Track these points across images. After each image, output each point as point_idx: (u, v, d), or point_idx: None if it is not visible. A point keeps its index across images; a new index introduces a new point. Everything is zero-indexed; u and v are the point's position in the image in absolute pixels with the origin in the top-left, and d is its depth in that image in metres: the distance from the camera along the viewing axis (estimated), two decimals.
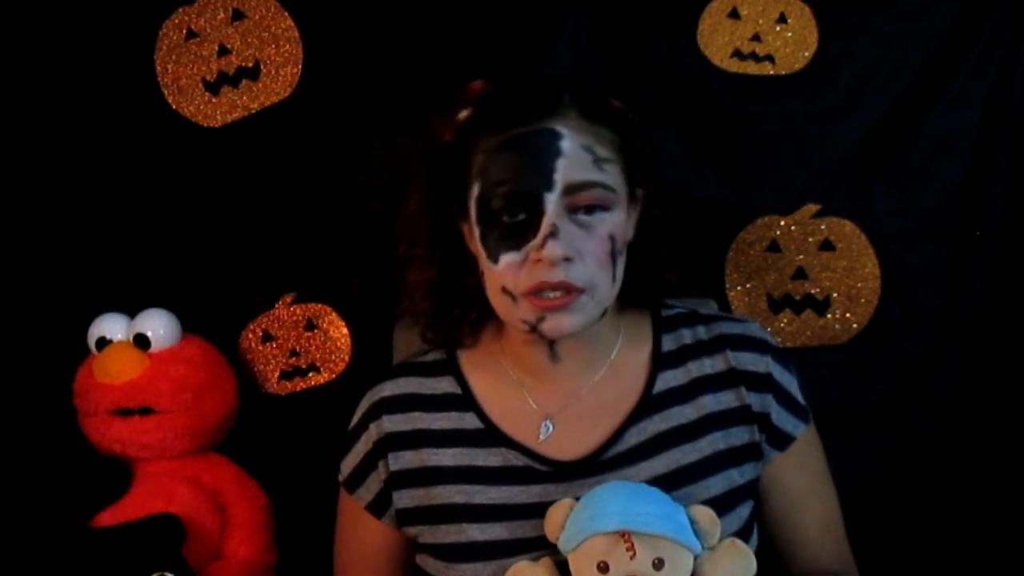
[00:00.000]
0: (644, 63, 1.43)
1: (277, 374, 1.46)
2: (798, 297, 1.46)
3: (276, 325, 1.46)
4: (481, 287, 1.02)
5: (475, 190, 0.99)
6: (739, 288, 1.47)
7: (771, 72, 1.45)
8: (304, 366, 1.46)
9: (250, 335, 1.46)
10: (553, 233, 0.93)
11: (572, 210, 0.95)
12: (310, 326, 1.46)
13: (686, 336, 1.08)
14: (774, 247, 1.46)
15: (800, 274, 1.46)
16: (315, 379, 1.46)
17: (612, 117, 1.01)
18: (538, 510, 0.98)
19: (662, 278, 1.09)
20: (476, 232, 0.99)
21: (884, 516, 1.45)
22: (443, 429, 1.06)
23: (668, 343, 1.08)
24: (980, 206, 1.45)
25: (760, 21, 1.44)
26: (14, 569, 1.23)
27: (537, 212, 0.94)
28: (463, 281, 1.06)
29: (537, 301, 0.95)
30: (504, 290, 0.97)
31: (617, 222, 0.98)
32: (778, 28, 1.44)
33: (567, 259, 0.94)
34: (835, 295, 1.46)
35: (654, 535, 0.89)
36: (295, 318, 1.46)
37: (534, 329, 0.97)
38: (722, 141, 1.44)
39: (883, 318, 1.46)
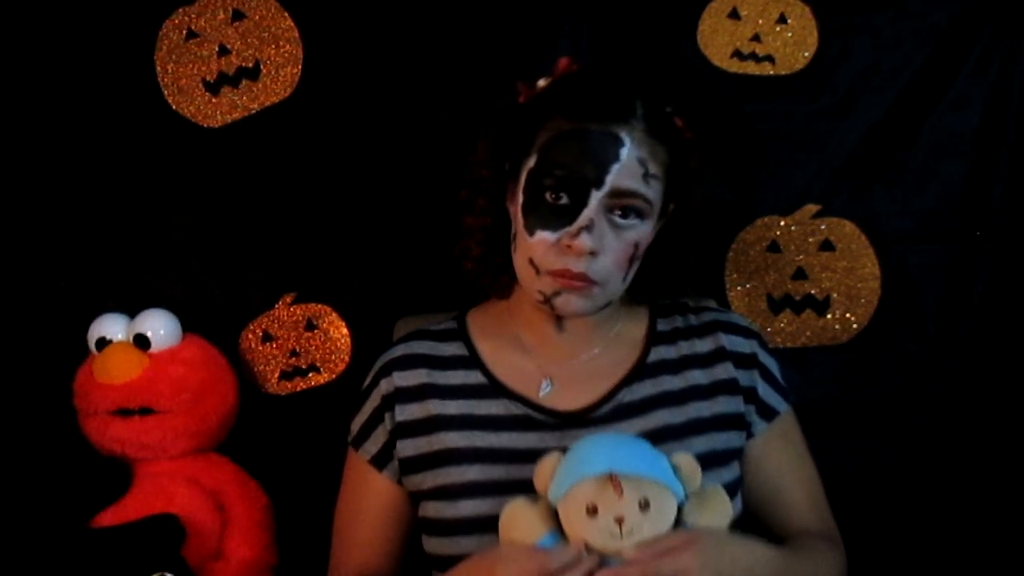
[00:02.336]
0: (644, 64, 1.43)
1: (277, 374, 1.46)
2: (798, 297, 1.46)
3: (276, 325, 1.46)
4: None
5: (531, 161, 1.08)
6: (739, 288, 1.47)
7: (771, 72, 1.45)
8: (304, 366, 1.46)
9: (250, 335, 1.46)
10: (588, 227, 1.03)
11: (609, 209, 1.05)
12: (310, 326, 1.46)
13: (679, 321, 1.20)
14: (774, 247, 1.46)
15: (800, 274, 1.46)
16: (315, 379, 1.46)
17: (671, 135, 1.10)
18: (535, 455, 1.04)
19: (677, 283, 1.19)
20: (520, 199, 1.08)
21: (884, 516, 1.45)
22: (449, 384, 1.14)
23: (663, 325, 1.19)
24: (980, 206, 1.45)
25: (760, 21, 1.44)
26: (14, 569, 1.23)
27: (581, 202, 1.04)
28: (510, 232, 1.14)
29: (560, 279, 1.05)
30: (531, 262, 1.06)
31: (644, 232, 1.08)
32: (778, 28, 1.44)
33: (592, 254, 1.03)
34: (835, 295, 1.46)
35: (640, 477, 0.93)
36: (295, 318, 1.46)
37: (547, 301, 1.07)
38: (722, 141, 1.44)
39: (883, 318, 1.46)
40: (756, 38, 1.44)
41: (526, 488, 1.00)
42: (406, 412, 1.13)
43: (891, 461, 1.47)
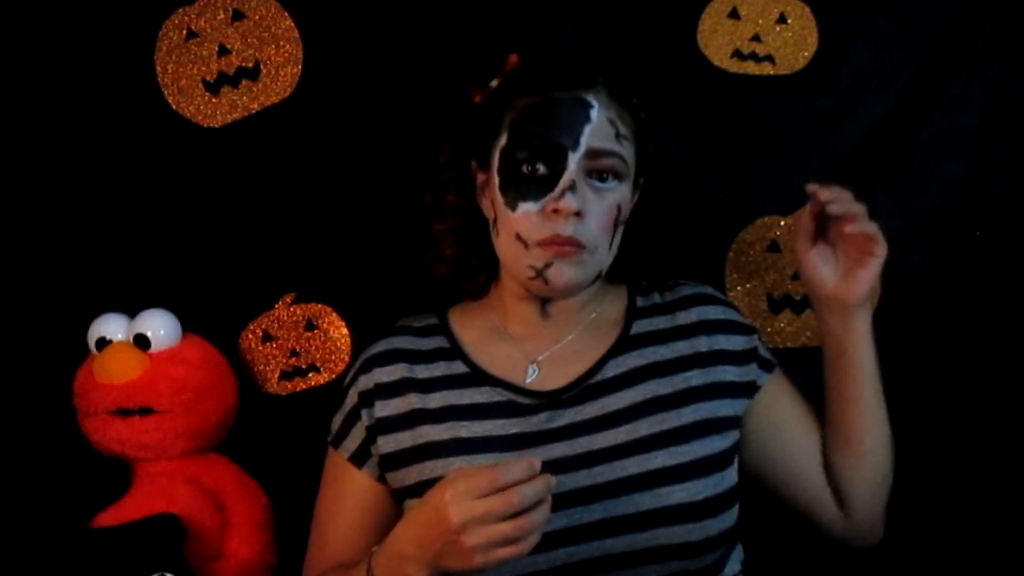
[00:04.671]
0: (644, 63, 1.43)
1: (277, 374, 1.46)
2: (798, 297, 1.46)
3: (276, 325, 1.46)
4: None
5: (502, 140, 1.10)
6: (739, 288, 1.47)
7: (771, 72, 1.45)
8: (304, 366, 1.46)
9: (250, 335, 1.46)
10: (571, 188, 1.05)
11: (588, 173, 1.07)
12: (310, 326, 1.46)
13: (657, 298, 1.21)
14: (774, 247, 1.46)
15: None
16: (315, 379, 1.46)
17: (632, 106, 1.13)
18: (521, 441, 1.06)
19: (656, 264, 1.22)
20: (496, 180, 1.10)
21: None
22: (430, 377, 1.14)
23: (642, 302, 1.21)
24: (980, 206, 1.45)
25: (760, 21, 1.44)
26: (14, 569, 1.23)
27: (559, 167, 1.06)
28: (483, 232, 1.15)
29: (550, 248, 1.06)
30: (518, 237, 1.07)
31: (624, 194, 1.10)
32: (778, 28, 1.44)
33: (578, 215, 1.05)
34: None
35: None
36: (295, 318, 1.46)
37: (539, 275, 1.07)
38: (722, 141, 1.45)
39: (883, 318, 1.45)
40: (756, 38, 1.44)
41: None
42: (387, 407, 1.13)
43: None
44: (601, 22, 1.42)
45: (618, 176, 1.09)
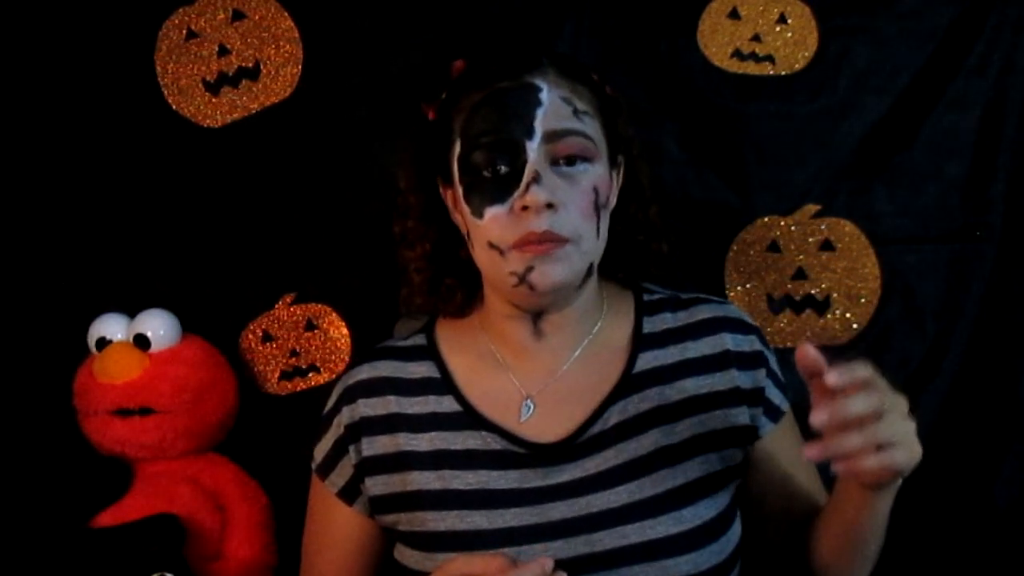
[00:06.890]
0: (644, 63, 1.43)
1: (277, 374, 1.46)
2: (798, 297, 1.46)
3: (276, 325, 1.46)
4: (472, 257, 1.04)
5: (457, 148, 1.01)
6: (739, 288, 1.47)
7: (771, 72, 1.45)
8: (304, 366, 1.46)
9: (250, 335, 1.46)
10: (536, 179, 0.96)
11: (554, 161, 0.98)
12: (310, 326, 1.46)
13: (668, 320, 1.09)
14: (774, 247, 1.46)
15: (800, 274, 1.46)
16: (315, 379, 1.46)
17: (590, 81, 1.04)
18: (517, 497, 0.99)
19: (649, 249, 1.12)
20: (459, 191, 1.01)
21: None
22: (419, 414, 1.05)
23: (649, 326, 1.09)
24: (980, 206, 1.44)
25: (760, 21, 1.44)
26: (14, 569, 1.23)
27: (519, 161, 0.97)
28: (456, 253, 1.08)
29: (526, 249, 0.96)
30: (491, 244, 0.98)
31: (599, 174, 1.00)
32: (778, 28, 1.44)
33: (551, 206, 0.96)
34: (835, 295, 1.46)
35: None
36: (295, 318, 1.46)
37: (522, 281, 0.97)
38: (722, 141, 1.45)
39: (883, 318, 1.46)
40: (756, 38, 1.44)
41: (510, 536, 0.93)
42: (375, 445, 1.05)
43: None
44: (601, 22, 1.42)
45: (587, 157, 0.99)
